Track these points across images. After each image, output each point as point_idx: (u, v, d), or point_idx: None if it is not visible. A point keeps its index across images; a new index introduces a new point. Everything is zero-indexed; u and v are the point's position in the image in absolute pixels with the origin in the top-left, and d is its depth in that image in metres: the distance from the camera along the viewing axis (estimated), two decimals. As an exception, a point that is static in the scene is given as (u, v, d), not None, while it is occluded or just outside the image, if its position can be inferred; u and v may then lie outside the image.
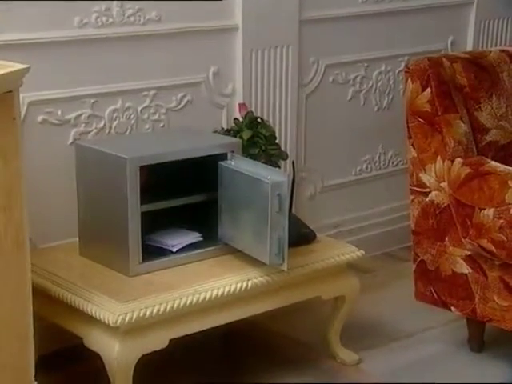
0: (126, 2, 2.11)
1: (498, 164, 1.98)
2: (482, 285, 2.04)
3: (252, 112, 2.18)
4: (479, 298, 2.06)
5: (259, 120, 2.14)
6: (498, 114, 2.13)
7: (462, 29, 2.82)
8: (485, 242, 1.98)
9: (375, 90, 2.70)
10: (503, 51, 2.25)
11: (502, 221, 1.93)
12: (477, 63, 2.16)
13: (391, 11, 2.65)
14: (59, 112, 2.08)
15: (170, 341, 1.85)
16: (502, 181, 1.93)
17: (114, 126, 2.17)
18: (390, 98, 2.74)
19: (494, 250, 1.98)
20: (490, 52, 2.25)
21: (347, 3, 2.56)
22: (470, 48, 2.78)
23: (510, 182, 1.95)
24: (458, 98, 2.12)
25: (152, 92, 2.22)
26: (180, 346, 1.91)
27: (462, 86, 2.09)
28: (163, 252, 1.98)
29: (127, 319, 1.76)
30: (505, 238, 1.94)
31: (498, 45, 2.83)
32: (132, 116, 2.20)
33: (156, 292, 1.84)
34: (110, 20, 2.10)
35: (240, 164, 1.95)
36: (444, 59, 2.16)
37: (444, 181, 2.09)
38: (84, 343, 1.87)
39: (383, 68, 2.70)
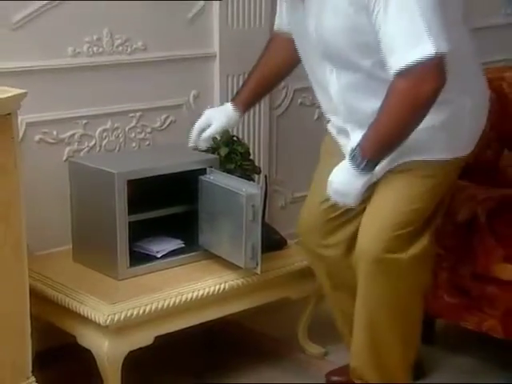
0: (115, 32, 2.11)
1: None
2: (433, 285, 2.05)
3: (228, 131, 2.19)
4: (431, 296, 2.08)
5: (235, 138, 2.14)
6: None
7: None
8: (436, 248, 2.00)
9: (338, 111, 2.71)
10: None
11: (450, 227, 1.95)
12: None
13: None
14: (54, 132, 2.07)
15: (155, 338, 1.84)
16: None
17: (104, 144, 2.16)
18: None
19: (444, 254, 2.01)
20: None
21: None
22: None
23: (456, 193, 1.97)
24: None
25: (138, 114, 2.21)
26: (164, 343, 1.90)
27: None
28: (149, 257, 1.97)
29: (116, 319, 1.75)
30: (454, 243, 1.97)
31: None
32: (120, 135, 2.19)
33: (142, 294, 1.83)
34: (101, 49, 2.09)
35: (218, 178, 1.95)
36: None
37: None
38: (77, 341, 1.86)
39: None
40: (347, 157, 1.66)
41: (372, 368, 1.78)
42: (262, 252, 1.89)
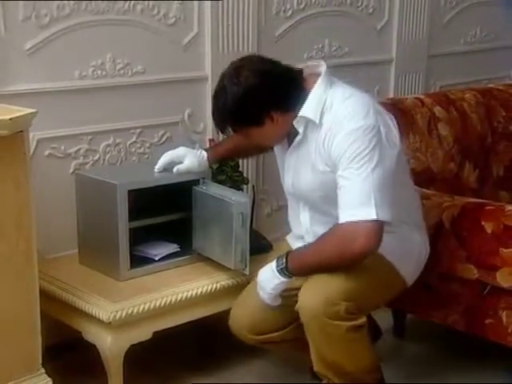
0: (117, 57, 2.11)
1: (415, 187, 2.02)
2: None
3: (219, 146, 2.19)
4: (402, 294, 2.08)
5: (225, 153, 2.14)
6: (414, 148, 2.17)
7: (385, 80, 2.87)
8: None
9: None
10: (417, 98, 2.31)
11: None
12: (397, 107, 2.20)
13: (330, 65, 2.66)
14: (62, 147, 2.07)
15: (154, 333, 1.85)
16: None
17: (107, 158, 2.16)
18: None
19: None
20: (407, 98, 2.30)
21: (296, 59, 2.56)
22: (391, 95, 2.83)
23: (423, 201, 1.99)
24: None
25: (138, 130, 2.22)
26: (162, 338, 1.90)
27: (386, 125, 2.13)
28: (148, 260, 1.97)
29: (118, 316, 1.75)
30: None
31: (412, 93, 2.89)
32: (122, 150, 2.19)
33: (142, 293, 1.83)
34: (104, 73, 2.10)
35: (210, 188, 1.96)
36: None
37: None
38: (83, 336, 1.85)
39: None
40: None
41: (332, 375, 1.72)
42: (250, 255, 1.90)
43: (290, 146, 1.71)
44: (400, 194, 1.62)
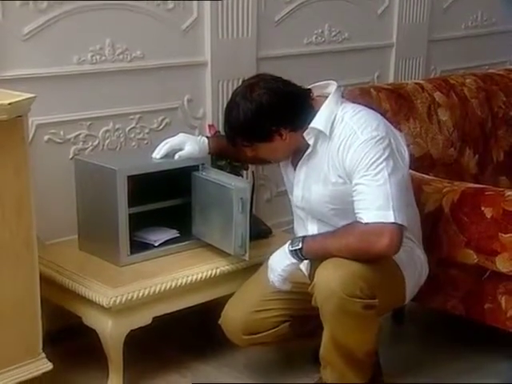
0: (116, 42, 2.10)
1: (415, 172, 2.02)
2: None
3: (219, 131, 2.18)
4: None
5: (225, 138, 2.13)
6: (414, 133, 2.16)
7: (385, 65, 2.86)
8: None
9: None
10: (417, 83, 2.29)
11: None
12: (397, 93, 2.20)
13: (330, 50, 2.66)
14: (61, 132, 2.06)
15: (153, 318, 1.85)
16: (417, 185, 1.96)
17: (106, 143, 2.16)
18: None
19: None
20: (407, 84, 2.28)
21: (296, 44, 2.57)
22: (391, 81, 2.82)
23: (423, 187, 2.00)
24: (383, 120, 2.15)
25: (137, 116, 2.21)
26: (162, 323, 1.91)
27: (385, 110, 2.12)
28: (147, 246, 1.97)
29: (118, 301, 1.75)
30: (422, 232, 1.98)
31: (412, 78, 2.88)
32: (121, 135, 2.19)
33: (141, 279, 1.83)
34: (103, 58, 2.08)
35: (210, 174, 1.95)
36: (371, 89, 2.19)
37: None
38: (83, 321, 1.86)
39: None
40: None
41: (339, 358, 1.71)
42: (250, 240, 1.90)
43: (299, 161, 1.76)
44: (407, 210, 1.66)
